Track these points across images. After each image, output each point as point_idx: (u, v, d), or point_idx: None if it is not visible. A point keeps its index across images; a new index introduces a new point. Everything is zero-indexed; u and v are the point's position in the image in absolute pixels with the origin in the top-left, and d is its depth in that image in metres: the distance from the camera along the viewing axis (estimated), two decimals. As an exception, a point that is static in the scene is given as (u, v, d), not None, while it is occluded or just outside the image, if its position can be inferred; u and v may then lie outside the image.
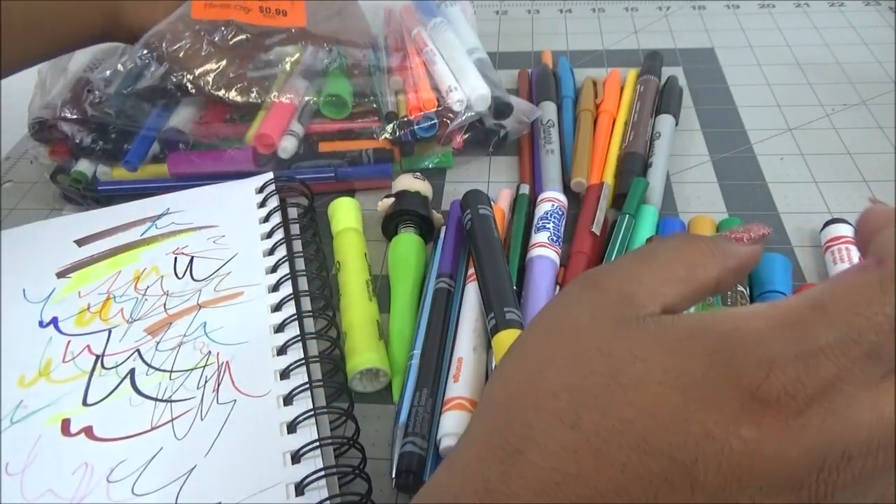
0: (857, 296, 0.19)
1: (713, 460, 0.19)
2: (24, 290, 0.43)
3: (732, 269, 0.25)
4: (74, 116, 0.52)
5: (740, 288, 0.38)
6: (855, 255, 0.42)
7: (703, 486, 0.19)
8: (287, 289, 0.41)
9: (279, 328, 0.39)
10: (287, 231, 0.46)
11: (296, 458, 0.33)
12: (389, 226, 0.48)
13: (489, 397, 0.24)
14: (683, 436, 0.19)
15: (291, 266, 0.43)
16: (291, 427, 0.34)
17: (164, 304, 0.42)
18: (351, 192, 0.53)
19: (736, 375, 0.19)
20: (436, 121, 0.52)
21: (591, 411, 0.21)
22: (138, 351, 0.39)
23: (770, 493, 0.19)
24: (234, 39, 0.53)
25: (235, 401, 0.36)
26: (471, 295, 0.41)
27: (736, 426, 0.19)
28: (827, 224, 0.45)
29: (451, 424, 0.35)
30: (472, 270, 0.42)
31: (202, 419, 0.35)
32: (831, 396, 0.19)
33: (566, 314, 0.24)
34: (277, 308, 0.40)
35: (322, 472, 0.32)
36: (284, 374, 0.37)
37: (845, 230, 0.44)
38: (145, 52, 0.55)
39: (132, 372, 0.38)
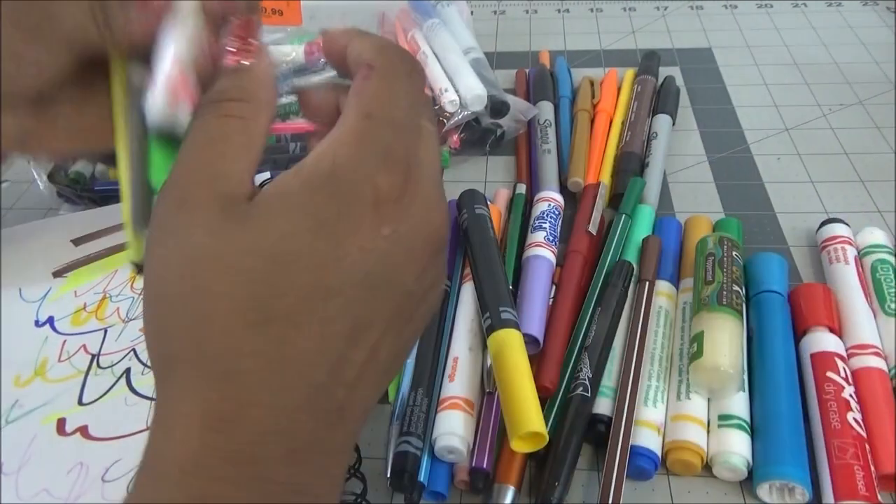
0: (386, 95, 0.25)
1: (378, 267, 0.23)
2: (20, 290, 0.43)
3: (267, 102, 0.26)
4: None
5: (736, 288, 0.38)
6: (851, 255, 0.42)
7: (385, 297, 0.24)
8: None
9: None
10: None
11: (290, 457, 0.33)
12: (386, 225, 0.48)
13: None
14: (348, 266, 0.23)
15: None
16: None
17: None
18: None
19: (357, 201, 0.23)
20: (432, 120, 0.52)
21: (278, 299, 0.22)
22: (134, 350, 0.39)
23: (430, 269, 0.25)
24: None
25: (230, 401, 0.36)
26: (466, 295, 0.41)
27: (377, 234, 0.23)
28: (823, 224, 0.45)
29: (447, 424, 0.35)
30: (467, 270, 0.42)
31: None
32: (413, 177, 0.25)
33: (176, 245, 0.23)
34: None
35: (317, 472, 0.32)
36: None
37: (842, 230, 0.44)
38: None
39: (128, 371, 0.38)
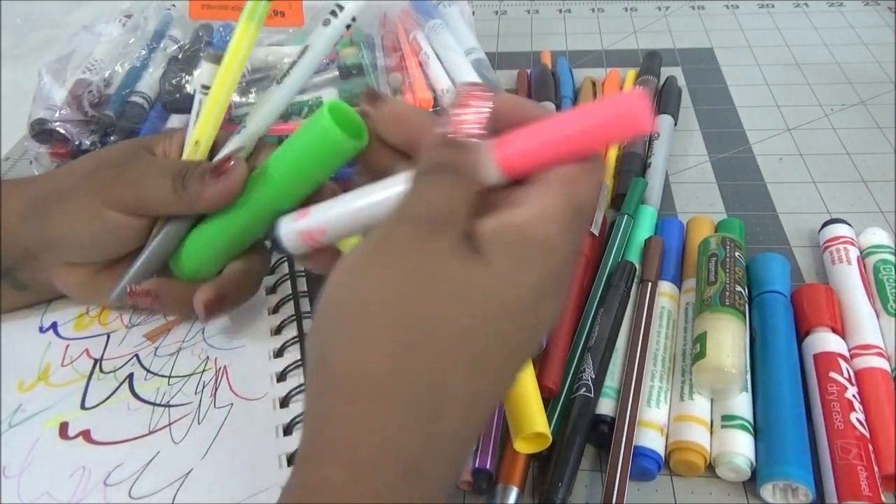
0: (593, 192, 0.27)
1: (535, 332, 0.25)
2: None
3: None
4: (75, 117, 0.52)
5: (738, 289, 0.38)
6: (854, 256, 0.42)
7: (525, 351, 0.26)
8: (286, 289, 0.41)
9: (277, 330, 0.39)
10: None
11: (291, 460, 0.33)
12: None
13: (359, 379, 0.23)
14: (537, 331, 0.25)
15: (290, 267, 0.43)
16: (287, 429, 0.34)
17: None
18: (350, 193, 0.53)
19: (564, 279, 0.26)
20: (434, 121, 0.52)
21: (492, 345, 0.23)
22: (137, 356, 0.39)
23: None
24: None
25: (232, 404, 0.36)
26: (469, 296, 0.41)
27: (554, 309, 0.26)
28: (825, 224, 0.45)
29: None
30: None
31: (199, 423, 0.35)
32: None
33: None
34: (275, 310, 0.40)
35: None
36: (281, 377, 0.37)
37: (844, 230, 0.44)
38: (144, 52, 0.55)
39: (131, 377, 0.38)
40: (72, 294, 0.40)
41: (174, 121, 0.53)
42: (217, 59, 0.36)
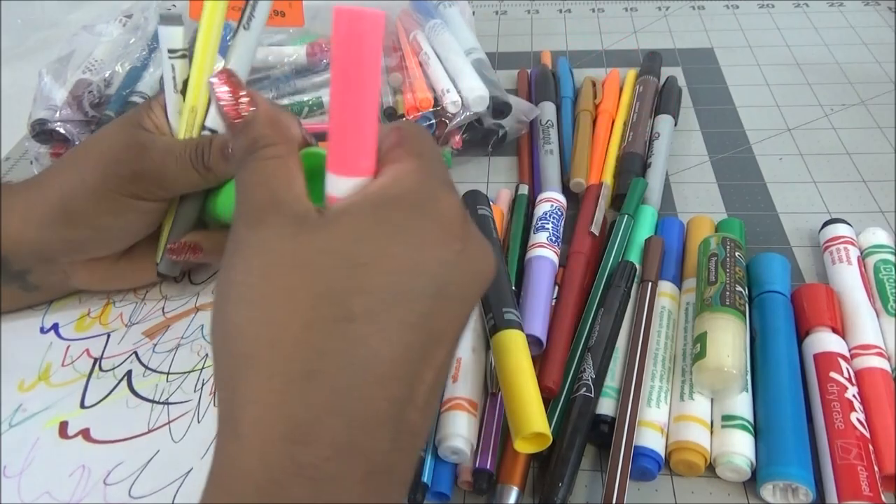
0: (426, 142, 0.27)
1: (452, 280, 0.24)
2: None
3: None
4: (75, 117, 0.52)
5: (739, 289, 0.38)
6: (854, 256, 0.42)
7: (455, 313, 0.24)
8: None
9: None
10: None
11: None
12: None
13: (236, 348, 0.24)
14: (427, 275, 0.23)
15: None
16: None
17: (163, 308, 0.42)
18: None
19: (429, 216, 0.25)
20: (433, 121, 0.52)
21: (357, 296, 0.23)
22: (135, 353, 0.39)
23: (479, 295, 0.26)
24: None
25: (233, 402, 0.36)
26: (469, 296, 0.41)
27: (449, 248, 0.24)
28: (825, 224, 0.45)
29: (451, 425, 0.34)
30: (470, 271, 0.42)
31: (199, 421, 0.35)
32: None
33: (257, 258, 0.24)
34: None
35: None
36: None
37: (844, 230, 0.44)
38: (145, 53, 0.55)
39: (129, 374, 0.38)
40: (94, 288, 0.41)
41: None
42: (173, 21, 0.37)
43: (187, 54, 0.37)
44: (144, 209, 0.37)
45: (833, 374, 0.36)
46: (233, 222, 0.26)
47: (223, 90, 0.29)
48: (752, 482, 0.34)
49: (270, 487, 0.21)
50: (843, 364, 0.36)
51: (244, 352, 0.23)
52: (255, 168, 0.26)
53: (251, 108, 0.28)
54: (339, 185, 0.26)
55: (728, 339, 0.36)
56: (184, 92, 0.37)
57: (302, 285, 0.23)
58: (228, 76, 0.29)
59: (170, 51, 0.37)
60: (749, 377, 0.37)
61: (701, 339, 0.36)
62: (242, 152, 0.28)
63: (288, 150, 0.27)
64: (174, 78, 0.37)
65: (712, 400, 0.36)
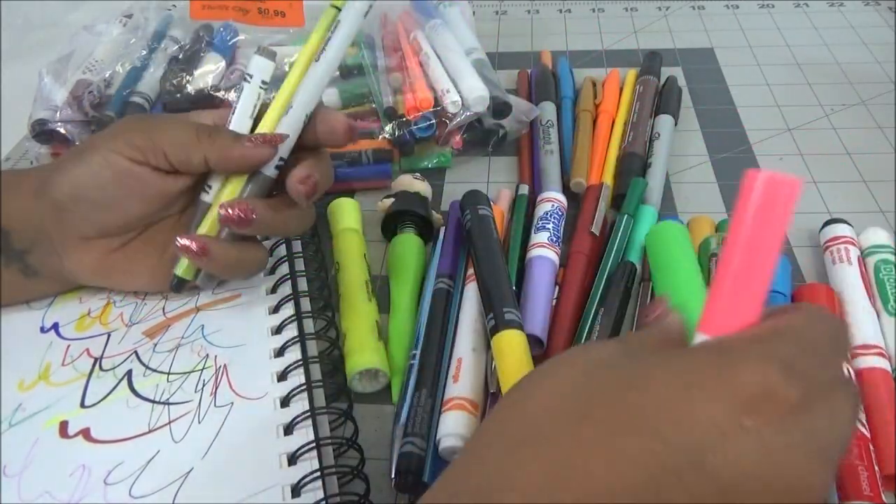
0: (803, 325, 0.23)
1: (719, 448, 0.19)
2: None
3: None
4: (75, 118, 0.52)
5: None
6: (854, 256, 0.42)
7: (708, 475, 0.19)
8: (286, 290, 0.41)
9: (277, 330, 0.39)
10: None
11: (292, 459, 0.33)
12: (389, 226, 0.48)
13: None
14: (690, 424, 0.20)
15: (291, 267, 0.43)
16: (288, 429, 0.34)
17: (163, 308, 0.42)
18: (350, 193, 0.53)
19: (734, 374, 0.20)
20: (433, 121, 0.52)
21: (600, 406, 0.21)
22: (136, 353, 0.39)
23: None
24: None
25: (233, 403, 0.36)
26: (470, 295, 0.41)
27: (738, 417, 0.20)
28: (826, 224, 0.45)
29: (451, 425, 0.34)
30: (471, 271, 0.42)
31: (199, 422, 0.35)
32: (814, 398, 0.21)
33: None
34: (276, 310, 0.40)
35: (318, 474, 0.32)
36: (282, 376, 0.36)
37: (845, 230, 0.44)
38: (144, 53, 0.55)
39: (129, 373, 0.38)
40: (85, 278, 0.41)
41: (174, 121, 0.53)
42: (270, 55, 0.39)
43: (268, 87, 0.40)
44: (134, 174, 0.37)
45: (834, 374, 0.35)
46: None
47: None
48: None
49: None
50: (845, 365, 0.36)
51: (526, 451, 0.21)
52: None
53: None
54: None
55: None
56: (255, 119, 0.39)
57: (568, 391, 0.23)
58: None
59: (248, 75, 0.39)
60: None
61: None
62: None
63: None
64: (255, 105, 0.39)
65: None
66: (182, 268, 0.39)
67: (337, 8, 0.38)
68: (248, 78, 0.39)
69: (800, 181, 0.22)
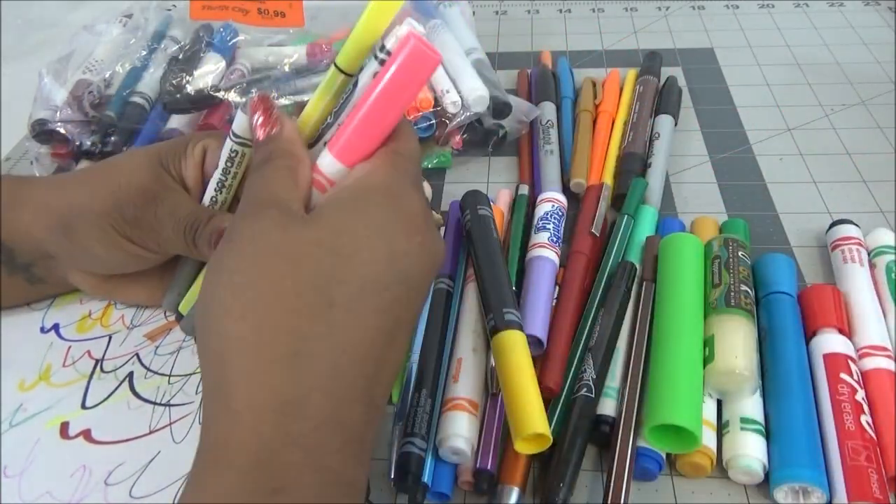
0: (407, 141, 0.31)
1: (413, 270, 0.28)
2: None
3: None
4: (75, 118, 0.52)
5: (744, 288, 0.38)
6: (864, 257, 0.42)
7: (414, 300, 0.28)
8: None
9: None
10: None
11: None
12: (388, 227, 0.48)
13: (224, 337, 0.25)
14: (398, 265, 0.27)
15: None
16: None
17: (165, 311, 0.42)
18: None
19: (400, 211, 0.28)
20: (433, 121, 0.52)
21: (338, 285, 0.26)
22: (137, 355, 0.39)
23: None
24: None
25: (234, 403, 0.36)
26: (470, 296, 0.41)
27: (412, 240, 0.28)
28: (834, 224, 0.45)
29: (451, 425, 0.34)
30: (471, 271, 0.42)
31: (200, 423, 0.35)
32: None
33: (252, 243, 0.27)
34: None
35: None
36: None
37: (853, 231, 0.44)
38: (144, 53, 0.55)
39: (130, 375, 0.38)
40: (86, 292, 0.42)
41: (174, 121, 0.53)
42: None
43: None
44: (134, 252, 0.38)
45: (843, 376, 0.35)
46: (235, 215, 0.29)
47: (258, 110, 0.32)
48: (756, 482, 0.34)
49: (264, 455, 0.23)
50: (852, 366, 0.36)
51: (234, 334, 0.25)
52: (264, 171, 0.30)
53: (276, 128, 0.32)
54: (328, 164, 0.30)
55: (737, 340, 0.35)
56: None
57: (288, 273, 0.25)
58: (266, 100, 0.33)
59: (234, 134, 0.36)
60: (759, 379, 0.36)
61: (708, 342, 0.36)
62: (254, 164, 0.31)
63: (299, 164, 0.30)
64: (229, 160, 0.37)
65: (718, 401, 0.36)
66: (188, 306, 0.39)
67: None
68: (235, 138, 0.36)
69: (439, 57, 0.28)
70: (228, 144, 0.36)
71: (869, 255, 0.43)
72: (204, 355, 0.26)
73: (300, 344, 0.24)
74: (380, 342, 0.26)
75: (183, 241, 0.36)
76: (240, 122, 0.35)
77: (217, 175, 0.37)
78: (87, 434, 0.35)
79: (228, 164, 0.36)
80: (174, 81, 0.53)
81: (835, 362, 0.36)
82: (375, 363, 0.26)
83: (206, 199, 0.38)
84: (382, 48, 0.31)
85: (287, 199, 0.28)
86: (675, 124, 0.56)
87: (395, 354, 0.27)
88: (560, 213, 0.46)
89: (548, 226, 0.45)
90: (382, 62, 0.30)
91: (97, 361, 0.39)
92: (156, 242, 0.37)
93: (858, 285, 0.40)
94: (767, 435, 0.34)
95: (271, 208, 0.27)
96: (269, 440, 0.23)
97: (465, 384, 0.36)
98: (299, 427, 0.23)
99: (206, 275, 0.28)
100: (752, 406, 0.35)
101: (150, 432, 0.35)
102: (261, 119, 0.32)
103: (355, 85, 0.33)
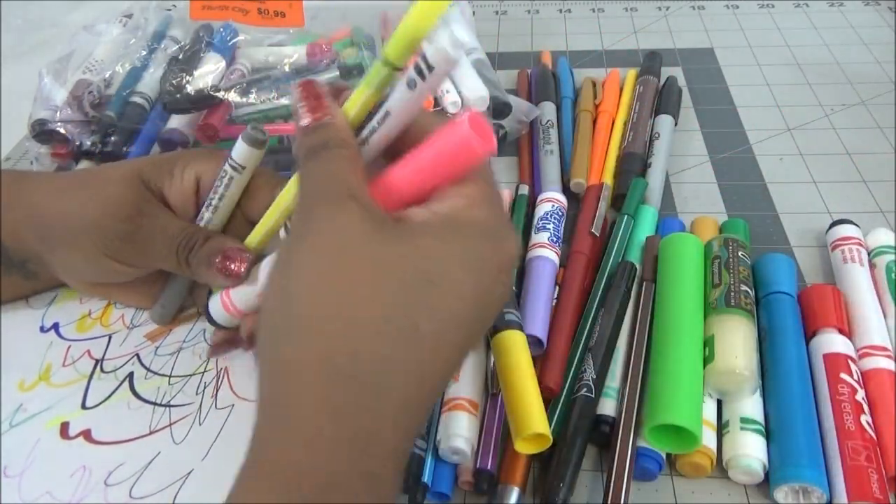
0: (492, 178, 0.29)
1: (492, 310, 0.27)
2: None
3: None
4: (75, 118, 0.52)
5: (744, 288, 0.38)
6: (864, 257, 0.42)
7: (477, 336, 0.30)
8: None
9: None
10: (288, 231, 0.46)
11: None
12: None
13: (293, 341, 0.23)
14: (481, 303, 0.25)
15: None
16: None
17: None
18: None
19: (498, 253, 0.26)
20: (434, 122, 0.52)
21: (426, 313, 0.24)
22: (137, 355, 0.39)
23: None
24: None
25: (233, 405, 0.36)
26: (470, 296, 0.41)
27: (499, 281, 0.26)
28: (834, 224, 0.45)
29: (451, 425, 0.34)
30: (471, 272, 0.42)
31: (200, 424, 0.35)
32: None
33: (329, 243, 0.24)
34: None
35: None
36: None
37: (853, 231, 0.44)
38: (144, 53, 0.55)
39: (131, 375, 0.38)
40: (78, 291, 0.42)
41: (174, 121, 0.53)
42: (254, 143, 0.35)
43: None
44: (122, 271, 0.37)
45: (843, 376, 0.35)
46: (302, 205, 0.26)
47: (305, 95, 0.29)
48: (756, 482, 0.34)
49: (332, 486, 0.21)
50: (852, 366, 0.36)
51: (306, 343, 0.23)
52: (328, 158, 0.27)
53: (328, 117, 0.29)
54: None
55: (737, 340, 0.35)
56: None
57: (377, 286, 0.23)
58: (314, 85, 0.30)
59: (232, 160, 0.36)
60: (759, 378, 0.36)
61: (708, 342, 0.36)
62: (309, 150, 0.28)
63: (354, 151, 0.28)
64: (226, 187, 0.37)
65: (718, 401, 0.36)
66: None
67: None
68: (240, 169, 0.36)
69: (489, 149, 0.26)
70: (225, 167, 0.36)
71: (869, 255, 0.43)
72: (271, 363, 0.24)
73: (384, 375, 0.23)
74: (447, 378, 0.26)
75: (175, 259, 0.36)
76: (238, 150, 0.35)
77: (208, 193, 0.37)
78: (87, 434, 0.35)
79: (217, 185, 0.36)
80: (174, 81, 0.53)
81: (835, 362, 0.36)
82: (436, 396, 0.26)
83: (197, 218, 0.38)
84: (424, 58, 0.27)
85: (362, 195, 0.26)
86: (675, 124, 0.56)
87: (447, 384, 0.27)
88: (560, 213, 0.46)
89: (548, 226, 0.45)
90: (419, 72, 0.27)
91: (97, 361, 0.39)
92: (141, 257, 0.36)
93: (858, 285, 0.40)
94: (767, 435, 0.34)
95: (350, 201, 0.25)
96: (338, 471, 0.22)
97: (465, 384, 0.36)
98: (368, 462, 0.22)
99: (273, 275, 0.25)
100: (752, 406, 0.35)
101: (151, 433, 0.35)
102: (307, 104, 0.29)
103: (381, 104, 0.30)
